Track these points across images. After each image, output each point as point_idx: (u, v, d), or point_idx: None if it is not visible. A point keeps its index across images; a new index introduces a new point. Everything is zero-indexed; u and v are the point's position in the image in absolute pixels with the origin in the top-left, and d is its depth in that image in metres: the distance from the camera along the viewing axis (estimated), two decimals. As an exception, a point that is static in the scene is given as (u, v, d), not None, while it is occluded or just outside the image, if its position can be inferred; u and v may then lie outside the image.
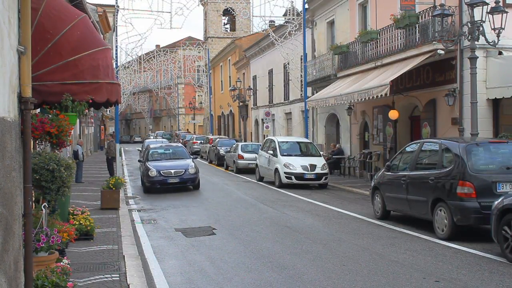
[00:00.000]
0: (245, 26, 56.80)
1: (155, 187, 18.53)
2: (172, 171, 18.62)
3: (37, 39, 5.79)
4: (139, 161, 21.59)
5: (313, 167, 19.82)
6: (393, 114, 18.85)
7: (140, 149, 32.46)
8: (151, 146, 22.02)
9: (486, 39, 13.44)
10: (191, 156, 21.28)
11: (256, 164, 23.15)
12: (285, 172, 19.83)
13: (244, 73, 44.90)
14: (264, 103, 38.32)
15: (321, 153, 22.40)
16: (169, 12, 29.10)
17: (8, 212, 4.54)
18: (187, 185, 18.91)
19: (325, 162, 20.68)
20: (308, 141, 23.53)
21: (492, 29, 13.38)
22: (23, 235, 5.14)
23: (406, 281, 7.43)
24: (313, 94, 26.65)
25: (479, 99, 13.78)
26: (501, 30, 13.27)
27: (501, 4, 13.75)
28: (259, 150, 23.65)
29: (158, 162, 19.51)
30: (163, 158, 20.17)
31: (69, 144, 6.98)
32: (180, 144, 24.31)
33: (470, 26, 13.35)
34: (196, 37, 70.70)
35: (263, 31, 34.91)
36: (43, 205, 6.42)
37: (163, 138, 63.86)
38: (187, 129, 70.02)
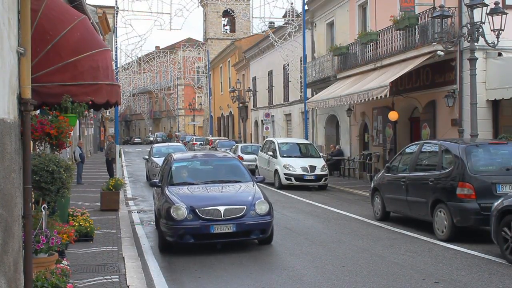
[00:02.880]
0: (245, 27, 56.85)
1: (185, 241, 9.30)
2: (221, 209, 9.29)
3: (37, 40, 5.79)
4: (151, 183, 11.40)
5: (312, 168, 19.82)
6: (393, 115, 18.85)
7: (147, 157, 23.17)
8: (175, 156, 11.85)
9: (485, 40, 13.46)
10: (254, 178, 11.24)
11: (256, 165, 23.14)
12: (284, 174, 19.82)
13: (243, 75, 44.92)
14: (264, 104, 38.33)
15: (321, 154, 22.41)
16: (169, 14, 29.26)
17: (7, 214, 4.53)
18: (250, 238, 9.68)
19: (324, 163, 20.69)
20: (308, 142, 23.54)
21: (491, 30, 13.39)
22: (23, 236, 5.14)
23: (405, 282, 7.43)
24: (312, 95, 26.66)
25: (478, 100, 13.78)
26: (500, 32, 13.27)
27: (500, 5, 13.76)
28: (259, 152, 23.66)
29: (190, 189, 10.21)
30: (198, 181, 10.68)
31: (69, 146, 6.97)
32: (230, 154, 13.37)
33: (469, 28, 13.37)
34: (195, 38, 70.81)
35: (262, 32, 34.93)
36: (42, 206, 6.42)
37: (163, 138, 64.01)
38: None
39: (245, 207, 9.43)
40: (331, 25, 25.94)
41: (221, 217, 9.23)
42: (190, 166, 11.67)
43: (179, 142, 44.13)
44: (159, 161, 17.56)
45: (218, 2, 52.50)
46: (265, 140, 24.93)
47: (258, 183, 10.86)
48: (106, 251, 9.09)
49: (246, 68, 43.61)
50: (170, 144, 27.86)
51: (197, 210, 9.24)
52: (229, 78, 49.70)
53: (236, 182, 10.72)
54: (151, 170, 21.10)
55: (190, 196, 9.85)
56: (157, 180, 11.23)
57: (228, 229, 9.24)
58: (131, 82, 49.55)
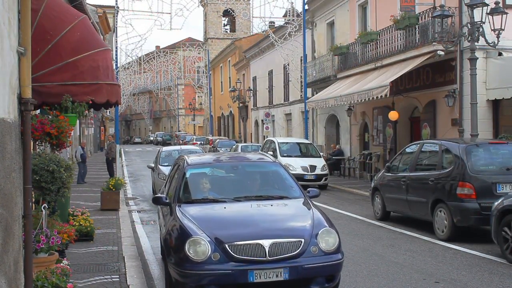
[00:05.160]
0: (245, 27, 56.82)
1: None
2: (265, 243, 5.96)
3: (37, 40, 5.78)
4: (155, 199, 7.57)
5: (313, 168, 19.82)
6: (393, 115, 18.86)
7: (153, 165, 17.77)
8: (190, 159, 8.22)
9: (486, 40, 13.46)
10: (304, 191, 7.90)
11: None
12: (285, 173, 19.76)
13: (244, 74, 44.92)
14: (264, 104, 38.34)
15: (321, 154, 22.41)
16: (169, 13, 29.16)
17: (8, 213, 4.53)
18: None
19: (325, 163, 20.69)
20: (308, 142, 23.55)
21: (492, 30, 13.40)
22: (23, 236, 5.13)
23: (406, 282, 7.43)
24: (313, 95, 26.67)
25: (479, 100, 13.79)
26: (501, 31, 13.28)
27: (501, 5, 13.77)
28: (259, 151, 23.65)
29: (214, 210, 6.96)
30: (225, 196, 7.31)
31: (69, 145, 6.96)
32: (267, 156, 9.00)
33: (470, 27, 13.37)
34: (196, 38, 70.81)
35: (263, 32, 34.97)
36: (43, 206, 6.42)
37: (164, 138, 63.87)
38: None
39: (302, 239, 6.10)
40: (331, 24, 25.94)
41: (266, 257, 5.90)
42: (212, 174, 8.10)
43: (180, 142, 43.97)
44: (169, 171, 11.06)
45: (218, 2, 52.41)
46: (265, 140, 24.94)
47: (312, 199, 7.55)
48: (106, 251, 9.09)
49: (246, 67, 43.61)
50: (183, 147, 21.12)
51: (226, 246, 5.93)
52: (229, 77, 49.71)
53: (281, 198, 7.38)
54: (158, 183, 15.53)
55: (214, 221, 6.51)
56: (164, 195, 7.74)
57: (277, 275, 5.90)
58: (131, 82, 49.57)
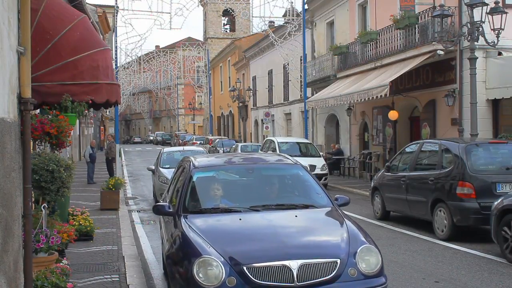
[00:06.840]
0: (245, 26, 56.76)
1: None
2: (293, 265, 4.85)
3: (37, 39, 5.78)
4: (156, 208, 6.41)
5: (312, 167, 19.77)
6: (393, 115, 18.86)
7: (153, 168, 16.50)
8: (196, 161, 6.99)
9: (485, 40, 13.47)
10: (332, 198, 6.55)
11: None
12: (285, 173, 19.71)
13: (243, 74, 44.92)
14: (264, 103, 38.34)
15: (321, 153, 22.41)
16: (169, 13, 29.12)
17: (7, 213, 4.53)
18: None
19: (324, 162, 20.68)
20: (308, 141, 23.54)
21: (491, 29, 13.41)
22: (23, 235, 5.13)
23: (405, 282, 7.43)
24: (312, 94, 26.67)
25: (478, 100, 13.79)
26: (500, 31, 13.30)
27: (500, 4, 13.78)
28: (259, 151, 23.64)
29: (226, 222, 5.85)
30: (239, 205, 6.10)
31: (69, 145, 6.96)
32: (288, 157, 7.52)
33: (469, 27, 13.38)
34: (196, 37, 70.80)
35: (262, 31, 34.93)
36: (42, 205, 6.42)
37: (163, 138, 63.76)
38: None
39: (338, 260, 5.02)
40: (331, 24, 25.94)
41: (294, 282, 4.84)
42: (223, 179, 6.88)
43: (179, 142, 43.89)
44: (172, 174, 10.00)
45: (218, 1, 52.37)
46: (265, 140, 24.93)
47: (340, 207, 6.40)
48: (106, 251, 9.09)
49: (246, 67, 43.61)
50: (186, 147, 19.67)
51: (245, 268, 4.88)
52: (229, 77, 49.72)
53: (306, 207, 6.23)
54: (159, 187, 14.51)
55: (228, 236, 5.47)
56: (166, 204, 6.52)
57: None
58: (131, 82, 49.54)
